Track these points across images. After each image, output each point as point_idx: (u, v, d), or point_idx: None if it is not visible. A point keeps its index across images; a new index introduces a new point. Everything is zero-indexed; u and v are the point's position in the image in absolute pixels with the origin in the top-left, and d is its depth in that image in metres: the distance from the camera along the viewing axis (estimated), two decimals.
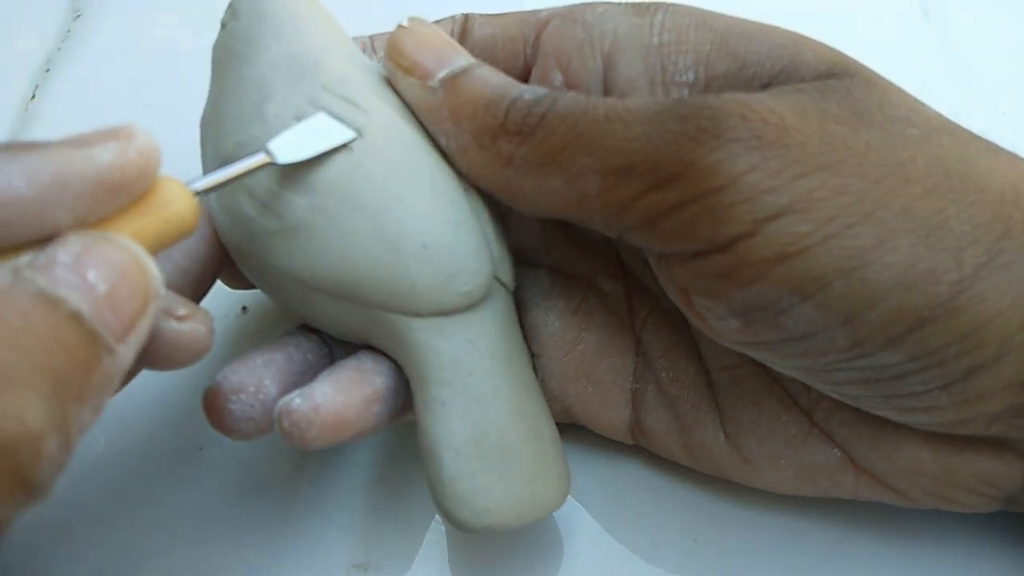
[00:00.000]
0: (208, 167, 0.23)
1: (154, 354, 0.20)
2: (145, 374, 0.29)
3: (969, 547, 0.25)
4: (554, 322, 0.25)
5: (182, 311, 0.20)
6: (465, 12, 0.25)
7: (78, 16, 0.39)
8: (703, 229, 0.19)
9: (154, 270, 0.18)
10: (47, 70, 0.37)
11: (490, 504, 0.22)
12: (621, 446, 0.26)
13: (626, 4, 0.24)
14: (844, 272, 0.19)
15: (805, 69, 0.22)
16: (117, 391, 0.18)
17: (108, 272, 0.17)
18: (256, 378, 0.22)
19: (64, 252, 0.17)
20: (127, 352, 0.17)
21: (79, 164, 0.17)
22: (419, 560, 0.25)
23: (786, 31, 0.23)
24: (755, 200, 0.19)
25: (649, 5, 0.24)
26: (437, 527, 0.26)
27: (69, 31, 0.38)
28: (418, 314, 0.22)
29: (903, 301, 0.19)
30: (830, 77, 0.21)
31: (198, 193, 0.19)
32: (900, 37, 0.38)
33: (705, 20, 0.23)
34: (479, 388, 0.22)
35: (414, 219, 0.22)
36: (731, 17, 0.23)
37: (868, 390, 0.20)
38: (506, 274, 0.23)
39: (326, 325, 0.24)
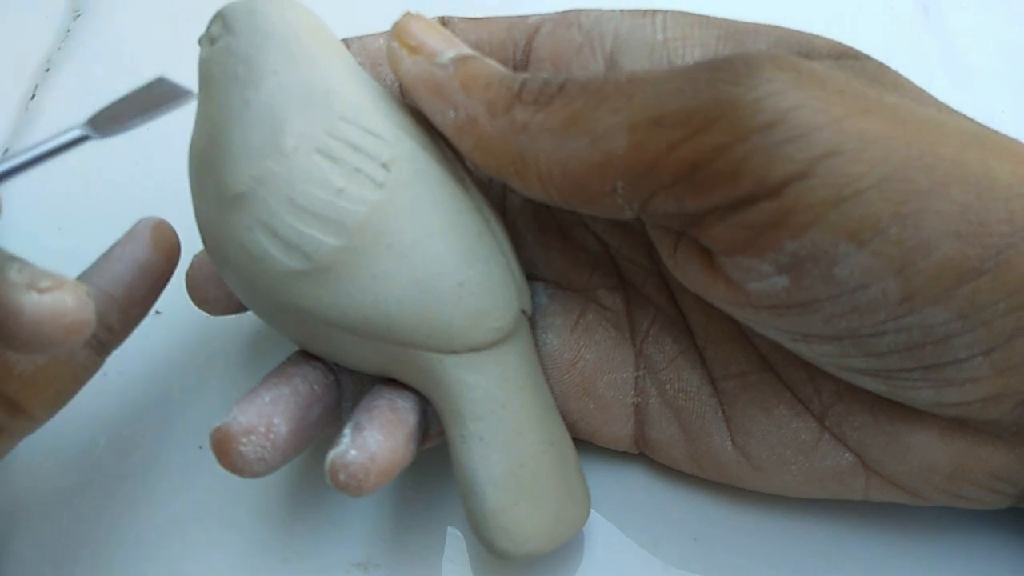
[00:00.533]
0: (207, 201, 0.22)
1: (14, 332, 0.18)
2: (145, 374, 0.29)
3: (976, 546, 0.25)
4: (552, 340, 0.25)
5: (46, 283, 0.18)
6: (441, 16, 0.25)
7: (78, 16, 0.39)
8: (752, 171, 0.18)
9: None
10: (47, 70, 0.37)
11: (530, 532, 0.22)
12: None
13: (622, 9, 0.24)
14: (900, 217, 0.18)
15: (816, 54, 0.22)
16: None
17: None
18: (265, 418, 0.22)
19: None
20: None
21: None
22: (419, 559, 0.25)
23: (789, 28, 0.23)
24: (807, 137, 0.18)
25: (647, 10, 0.24)
26: (437, 527, 0.26)
27: (69, 31, 0.38)
28: (453, 351, 0.22)
29: (956, 250, 0.18)
30: (841, 58, 0.21)
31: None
32: (900, 37, 0.38)
33: (707, 20, 0.23)
34: (514, 420, 0.22)
35: (448, 257, 0.21)
36: (732, 19, 0.23)
37: (910, 359, 0.20)
38: (527, 303, 0.23)
39: (344, 361, 0.23)
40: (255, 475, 0.22)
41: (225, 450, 0.21)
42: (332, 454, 0.21)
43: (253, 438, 0.21)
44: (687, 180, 0.19)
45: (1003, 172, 0.19)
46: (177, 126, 0.24)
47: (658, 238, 0.22)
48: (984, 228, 0.18)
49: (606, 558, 0.25)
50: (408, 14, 0.22)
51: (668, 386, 0.25)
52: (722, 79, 0.19)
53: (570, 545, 0.25)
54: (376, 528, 0.26)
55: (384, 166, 0.21)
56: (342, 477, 0.21)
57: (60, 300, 0.18)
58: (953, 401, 0.20)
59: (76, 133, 0.19)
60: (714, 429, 0.24)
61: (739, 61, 0.19)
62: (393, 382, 0.23)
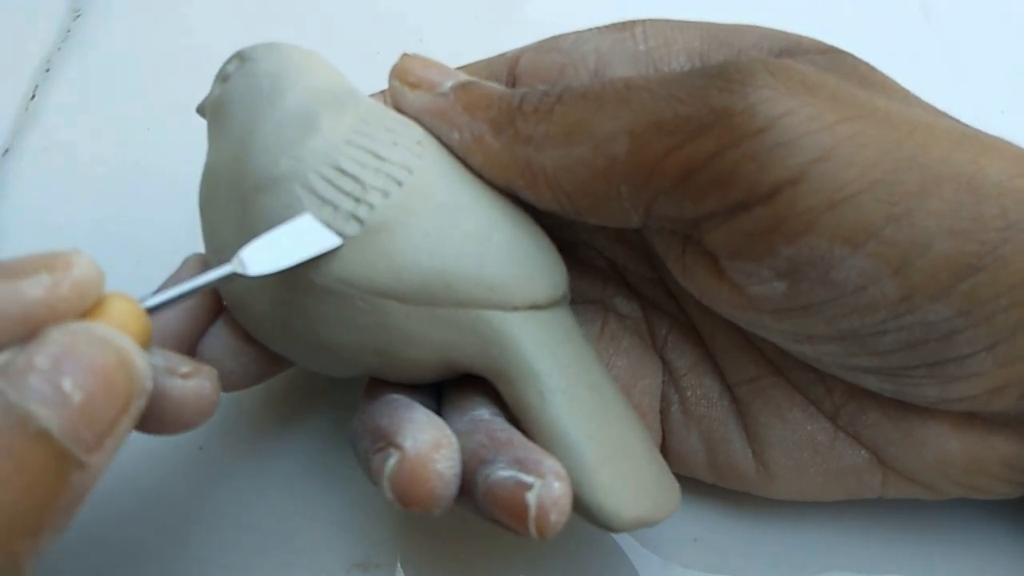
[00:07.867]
0: (231, 209, 0.22)
1: (159, 416, 0.18)
2: None
3: (981, 545, 0.25)
4: None
5: (185, 368, 0.19)
6: None
7: (78, 16, 0.39)
8: (745, 176, 0.19)
9: (141, 365, 0.16)
10: (47, 70, 0.37)
11: (636, 492, 0.21)
12: None
13: (599, 28, 0.24)
14: (893, 218, 0.18)
15: (803, 50, 0.22)
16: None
17: (87, 378, 0.15)
18: (440, 430, 0.20)
19: (43, 355, 0.15)
20: (101, 460, 0.16)
21: (3, 299, 0.16)
22: (420, 560, 0.25)
23: (769, 28, 0.23)
24: (798, 142, 0.18)
25: (625, 23, 0.24)
26: (437, 526, 0.26)
27: (69, 31, 0.38)
28: (515, 308, 0.21)
29: (952, 248, 0.18)
30: (831, 53, 0.21)
31: (150, 310, 0.18)
32: (900, 37, 0.38)
33: (687, 25, 0.23)
34: (589, 376, 0.22)
35: (498, 215, 0.22)
36: (711, 22, 0.23)
37: (913, 356, 0.20)
38: (566, 282, 0.23)
39: (395, 359, 0.22)
40: (448, 500, 0.19)
41: (423, 476, 0.19)
42: (536, 498, 0.19)
43: (443, 451, 0.19)
44: (684, 185, 0.19)
45: (993, 169, 0.19)
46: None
47: (664, 245, 0.22)
48: (978, 224, 0.18)
49: (606, 558, 0.25)
50: (405, 55, 0.23)
51: (690, 393, 0.24)
52: (715, 86, 0.19)
53: (570, 545, 0.25)
54: (376, 528, 0.26)
55: (418, 143, 0.22)
56: (553, 517, 0.19)
57: (202, 385, 0.19)
58: (958, 396, 0.21)
59: (228, 270, 0.19)
60: (734, 438, 0.24)
61: (732, 68, 0.19)
62: (465, 404, 0.22)
